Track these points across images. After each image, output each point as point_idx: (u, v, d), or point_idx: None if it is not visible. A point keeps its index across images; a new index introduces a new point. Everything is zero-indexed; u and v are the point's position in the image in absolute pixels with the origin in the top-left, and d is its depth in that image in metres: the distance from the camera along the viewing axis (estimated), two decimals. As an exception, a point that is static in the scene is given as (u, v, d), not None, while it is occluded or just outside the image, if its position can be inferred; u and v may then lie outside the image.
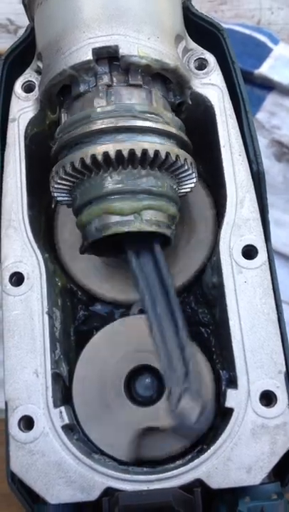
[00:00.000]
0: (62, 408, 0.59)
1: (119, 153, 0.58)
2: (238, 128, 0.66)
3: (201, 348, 0.67)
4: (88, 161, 0.59)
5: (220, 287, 0.63)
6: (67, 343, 0.68)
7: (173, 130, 0.62)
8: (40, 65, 0.68)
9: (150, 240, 0.63)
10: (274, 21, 1.14)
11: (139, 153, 0.58)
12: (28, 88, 0.69)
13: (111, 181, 0.60)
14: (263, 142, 1.04)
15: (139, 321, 0.65)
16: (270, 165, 1.05)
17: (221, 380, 0.64)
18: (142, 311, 0.70)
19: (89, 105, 0.63)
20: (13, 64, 0.71)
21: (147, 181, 0.60)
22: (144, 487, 0.57)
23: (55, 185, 0.63)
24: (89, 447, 0.62)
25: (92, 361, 0.66)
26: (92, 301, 0.73)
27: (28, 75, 0.70)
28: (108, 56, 0.63)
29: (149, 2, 0.64)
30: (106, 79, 0.63)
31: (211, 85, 0.68)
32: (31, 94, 0.69)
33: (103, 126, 0.60)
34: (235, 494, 0.57)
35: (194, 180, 0.65)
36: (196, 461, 0.57)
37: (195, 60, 0.69)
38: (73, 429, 0.62)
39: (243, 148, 0.66)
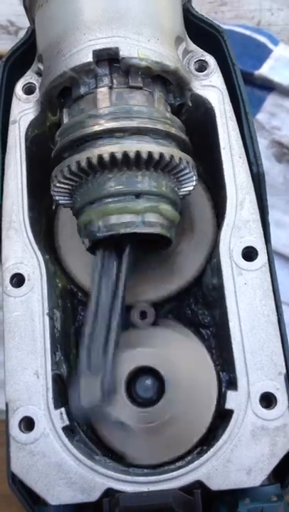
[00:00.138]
0: (63, 409, 0.59)
1: (119, 155, 0.58)
2: (238, 130, 0.66)
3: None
4: (88, 163, 0.59)
5: (220, 289, 0.63)
6: (67, 344, 0.68)
7: (174, 132, 0.62)
8: (41, 66, 0.68)
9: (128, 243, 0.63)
10: (274, 22, 1.14)
11: (134, 155, 0.58)
12: (29, 90, 0.69)
13: (111, 183, 0.60)
14: (263, 143, 1.05)
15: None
16: (270, 166, 1.05)
17: (221, 381, 0.64)
18: (143, 314, 0.70)
19: (89, 107, 0.63)
20: (14, 66, 0.71)
21: (148, 183, 0.61)
22: (144, 488, 0.57)
23: (56, 187, 0.63)
24: (89, 448, 0.63)
25: None
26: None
27: (29, 77, 0.70)
28: (108, 58, 0.63)
29: (149, 4, 0.65)
30: (106, 81, 0.63)
31: (211, 87, 0.68)
32: (32, 96, 0.69)
33: (103, 128, 0.60)
34: (235, 496, 0.57)
35: (194, 182, 0.65)
36: (196, 463, 0.57)
37: (195, 62, 0.69)
38: (74, 431, 0.62)
39: (243, 150, 0.66)
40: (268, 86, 1.06)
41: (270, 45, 1.07)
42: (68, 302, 0.71)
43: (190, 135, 0.66)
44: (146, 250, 0.67)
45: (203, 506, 0.56)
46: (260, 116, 1.06)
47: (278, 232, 1.01)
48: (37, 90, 0.69)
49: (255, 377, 0.59)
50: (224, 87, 0.68)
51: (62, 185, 0.63)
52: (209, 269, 0.68)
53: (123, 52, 0.62)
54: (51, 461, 0.58)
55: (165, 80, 0.66)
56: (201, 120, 0.69)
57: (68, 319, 0.70)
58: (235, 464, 0.57)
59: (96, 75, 0.63)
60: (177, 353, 0.65)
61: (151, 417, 0.63)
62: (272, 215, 0.68)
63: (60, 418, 0.59)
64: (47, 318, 0.62)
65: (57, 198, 0.65)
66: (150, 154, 0.59)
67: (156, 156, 0.59)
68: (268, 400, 0.59)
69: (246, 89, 0.69)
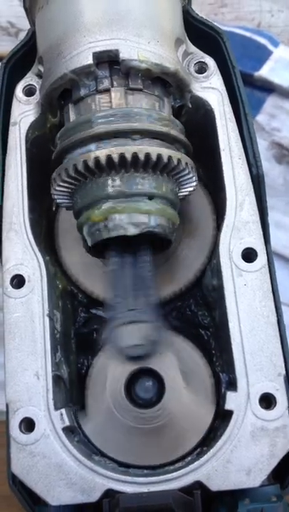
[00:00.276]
0: (63, 410, 0.60)
1: (118, 156, 0.59)
2: (237, 131, 0.67)
3: (201, 351, 0.67)
4: (89, 164, 0.60)
5: (220, 290, 0.63)
6: (67, 345, 0.68)
7: (173, 133, 0.63)
8: (41, 68, 0.68)
9: (140, 244, 0.63)
10: (274, 24, 1.14)
11: (141, 157, 0.59)
12: (29, 92, 0.70)
13: (111, 185, 0.60)
14: (263, 144, 1.05)
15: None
16: (270, 167, 1.05)
17: (221, 382, 0.64)
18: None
19: (89, 109, 0.63)
20: (14, 68, 0.72)
21: (147, 184, 0.61)
22: (144, 489, 0.57)
23: (56, 189, 0.64)
24: (89, 449, 0.63)
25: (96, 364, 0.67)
26: (93, 304, 0.73)
27: (29, 79, 0.70)
28: (108, 60, 0.63)
29: (149, 6, 0.65)
30: (106, 83, 0.63)
31: (211, 89, 0.68)
32: (32, 97, 0.69)
33: (103, 130, 0.60)
34: (234, 496, 0.57)
35: (194, 183, 0.65)
36: (196, 464, 0.57)
37: (195, 64, 0.69)
38: (74, 431, 0.62)
39: (242, 151, 0.66)
40: (267, 87, 1.06)
41: (270, 46, 1.07)
42: (68, 303, 0.72)
43: (190, 137, 0.66)
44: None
45: (203, 507, 0.56)
46: (260, 118, 1.06)
47: (278, 234, 1.01)
48: (37, 92, 0.69)
49: (255, 378, 0.59)
50: (224, 88, 0.68)
51: (62, 187, 0.63)
52: (209, 270, 0.68)
53: (123, 55, 0.62)
54: (51, 461, 0.58)
55: (165, 82, 0.66)
56: (200, 122, 0.69)
57: (68, 320, 0.70)
58: (234, 464, 0.57)
59: (96, 77, 0.63)
60: (177, 355, 0.66)
61: (151, 418, 0.63)
62: (272, 216, 0.68)
63: (60, 419, 0.59)
64: (47, 320, 0.62)
65: (57, 199, 0.65)
66: (148, 156, 0.59)
67: (154, 158, 0.59)
68: (267, 401, 0.59)
69: (246, 90, 0.70)
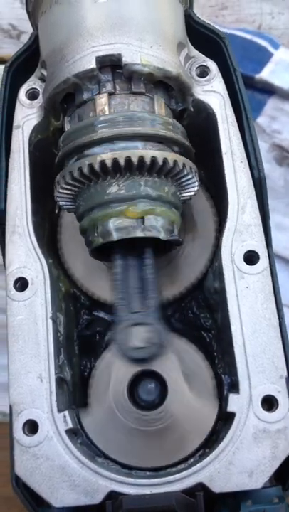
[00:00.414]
0: (66, 412, 0.60)
1: (124, 160, 0.59)
2: (239, 135, 0.67)
3: (203, 353, 0.68)
4: (90, 168, 0.60)
5: (222, 292, 0.64)
6: (70, 347, 0.68)
7: (177, 137, 0.63)
8: (44, 72, 0.69)
9: (143, 246, 0.64)
10: (275, 26, 1.15)
11: (147, 160, 0.59)
12: (32, 95, 0.70)
13: (113, 188, 0.61)
14: (263, 146, 1.05)
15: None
16: (271, 169, 1.05)
17: (223, 384, 0.64)
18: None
19: (92, 113, 0.63)
20: (18, 71, 0.72)
21: (149, 188, 0.61)
22: (147, 491, 0.57)
23: (60, 191, 0.64)
24: (92, 451, 0.63)
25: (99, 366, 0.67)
26: (96, 306, 0.74)
27: (32, 83, 0.70)
28: (111, 64, 0.64)
29: (151, 11, 0.65)
30: (109, 87, 0.64)
31: (212, 92, 0.69)
32: (35, 101, 0.70)
33: (105, 134, 0.60)
34: (237, 498, 0.58)
35: (196, 185, 0.66)
36: (199, 465, 0.58)
37: (197, 68, 0.69)
38: (77, 433, 0.62)
39: (244, 155, 0.66)
40: (268, 90, 1.06)
41: (270, 48, 1.07)
42: (71, 306, 0.72)
43: (192, 140, 0.67)
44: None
45: (205, 508, 0.57)
46: (261, 120, 1.06)
47: (279, 235, 1.01)
48: (40, 96, 0.70)
49: (257, 380, 0.59)
50: (226, 92, 0.69)
51: (65, 190, 0.64)
52: (211, 272, 0.69)
53: (126, 59, 0.62)
54: (55, 463, 0.58)
55: (167, 86, 0.66)
56: (202, 125, 0.69)
57: (71, 323, 0.71)
58: (237, 466, 0.57)
59: (99, 81, 0.64)
60: (179, 357, 0.66)
61: (153, 420, 0.63)
62: (273, 218, 0.68)
63: (63, 421, 0.60)
64: (50, 322, 0.62)
65: (60, 202, 0.65)
66: (154, 160, 0.59)
67: (160, 162, 0.60)
68: (269, 403, 0.59)
69: (247, 93, 0.70)
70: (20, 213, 0.66)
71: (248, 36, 1.09)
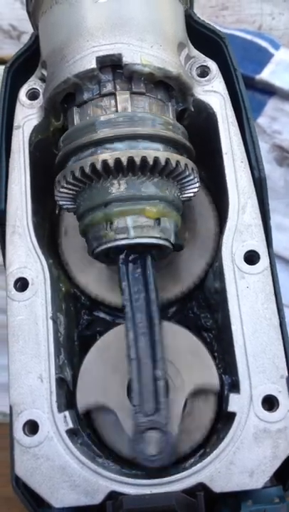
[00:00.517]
0: (67, 413, 0.60)
1: (120, 161, 0.59)
2: (240, 135, 0.67)
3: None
4: (91, 169, 0.60)
5: (222, 292, 0.64)
6: (71, 347, 0.68)
7: (178, 138, 0.63)
8: (45, 72, 0.69)
9: (144, 249, 0.64)
10: (275, 27, 1.15)
11: (138, 160, 0.59)
12: (33, 95, 0.70)
13: (113, 188, 0.61)
14: (264, 147, 1.05)
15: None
16: (271, 169, 1.05)
17: (224, 384, 0.64)
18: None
19: (93, 113, 0.63)
20: (18, 71, 0.72)
21: (149, 188, 0.61)
22: (147, 491, 0.57)
23: (60, 191, 0.64)
24: (93, 451, 0.63)
25: (96, 366, 0.67)
26: (96, 306, 0.74)
27: (33, 83, 0.70)
28: (112, 64, 0.64)
29: (151, 11, 0.65)
30: (109, 87, 0.64)
31: (213, 92, 0.69)
32: (36, 101, 0.70)
33: (106, 134, 0.60)
34: (237, 498, 0.58)
35: (197, 185, 0.66)
36: (199, 465, 0.58)
37: (197, 68, 0.69)
38: (77, 434, 0.62)
39: (245, 155, 0.66)
40: (268, 90, 1.06)
41: (271, 49, 1.07)
42: (72, 306, 0.72)
43: (192, 140, 0.67)
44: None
45: (206, 508, 0.57)
46: (261, 121, 1.06)
47: (279, 236, 1.01)
48: (41, 96, 0.70)
49: (258, 380, 0.59)
50: (226, 92, 0.69)
51: (66, 190, 0.63)
52: (211, 272, 0.69)
53: (126, 59, 0.62)
54: (55, 464, 0.58)
55: (168, 86, 0.66)
56: (203, 125, 0.69)
57: (72, 323, 0.71)
58: (237, 466, 0.57)
59: (99, 81, 0.64)
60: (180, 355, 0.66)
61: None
62: (273, 219, 0.68)
63: (63, 421, 0.60)
64: (50, 322, 0.63)
65: (61, 202, 0.65)
66: (157, 160, 0.59)
67: (162, 162, 0.60)
68: (270, 403, 0.59)
69: (247, 93, 0.70)
70: (21, 213, 0.66)
71: (249, 37, 1.09)
